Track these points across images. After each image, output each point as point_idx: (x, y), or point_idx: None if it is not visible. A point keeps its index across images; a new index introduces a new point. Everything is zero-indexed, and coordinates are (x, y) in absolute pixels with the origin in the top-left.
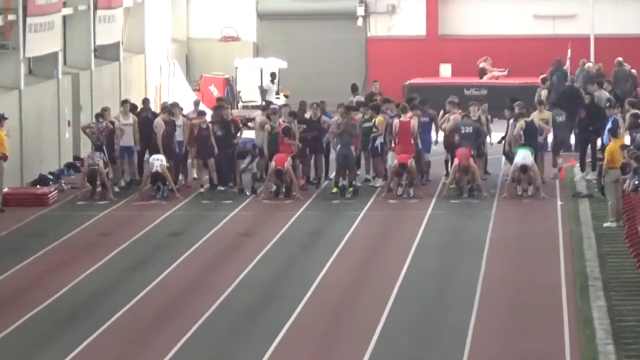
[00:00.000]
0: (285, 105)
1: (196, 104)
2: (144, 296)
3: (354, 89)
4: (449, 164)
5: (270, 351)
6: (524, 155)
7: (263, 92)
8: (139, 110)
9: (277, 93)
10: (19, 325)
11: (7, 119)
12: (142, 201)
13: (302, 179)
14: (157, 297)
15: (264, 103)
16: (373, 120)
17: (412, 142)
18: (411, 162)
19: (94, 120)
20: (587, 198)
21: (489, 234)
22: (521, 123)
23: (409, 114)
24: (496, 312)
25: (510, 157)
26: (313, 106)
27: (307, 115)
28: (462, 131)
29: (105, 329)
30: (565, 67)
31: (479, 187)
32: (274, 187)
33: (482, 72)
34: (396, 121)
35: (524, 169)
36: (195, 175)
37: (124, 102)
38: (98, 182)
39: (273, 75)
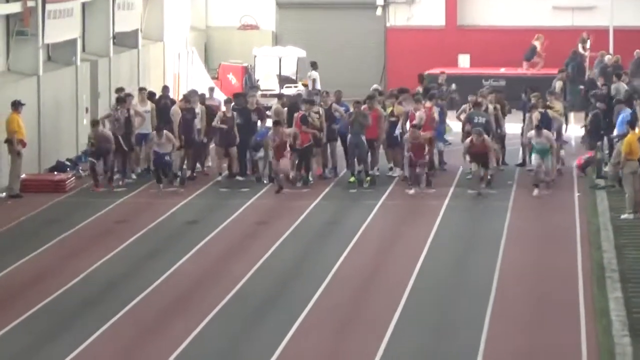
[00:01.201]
0: (326, 92)
1: (211, 90)
2: (160, 284)
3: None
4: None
5: (286, 340)
6: (535, 164)
7: (289, 80)
8: (158, 97)
9: (296, 82)
10: (35, 312)
11: (24, 104)
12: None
13: (319, 168)
14: (173, 285)
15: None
16: (389, 109)
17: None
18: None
19: (113, 106)
20: (604, 190)
21: (506, 225)
22: (536, 114)
23: (428, 103)
24: (513, 303)
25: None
26: (323, 94)
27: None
28: (475, 121)
29: (120, 316)
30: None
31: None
32: (292, 174)
33: (533, 51)
34: (419, 112)
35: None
36: (210, 163)
37: (141, 90)
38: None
39: (314, 64)
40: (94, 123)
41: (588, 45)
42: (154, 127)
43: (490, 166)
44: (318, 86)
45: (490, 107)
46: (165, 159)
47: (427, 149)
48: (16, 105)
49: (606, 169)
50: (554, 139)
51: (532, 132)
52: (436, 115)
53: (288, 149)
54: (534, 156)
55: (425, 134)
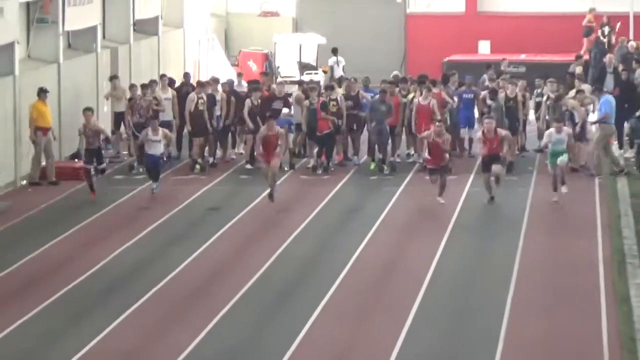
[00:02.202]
0: (354, 79)
1: (239, 76)
2: (182, 270)
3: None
4: None
5: (308, 325)
6: (553, 163)
7: (330, 68)
8: (179, 84)
9: (316, 68)
10: (57, 298)
11: (48, 92)
12: (181, 175)
13: (340, 155)
14: (195, 272)
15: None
16: (410, 96)
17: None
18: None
19: (139, 93)
20: (625, 176)
21: (527, 210)
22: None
23: (436, 89)
24: (533, 289)
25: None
26: (350, 81)
27: (342, 90)
28: (492, 107)
29: (141, 303)
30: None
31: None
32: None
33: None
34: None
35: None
36: (242, 150)
37: (162, 77)
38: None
39: (335, 50)
40: (88, 110)
41: (607, 31)
42: (175, 114)
43: (505, 156)
44: (340, 72)
45: (519, 94)
46: (158, 161)
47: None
48: (39, 93)
49: (626, 154)
50: (572, 136)
51: (552, 130)
52: (448, 98)
53: (278, 149)
54: (550, 165)
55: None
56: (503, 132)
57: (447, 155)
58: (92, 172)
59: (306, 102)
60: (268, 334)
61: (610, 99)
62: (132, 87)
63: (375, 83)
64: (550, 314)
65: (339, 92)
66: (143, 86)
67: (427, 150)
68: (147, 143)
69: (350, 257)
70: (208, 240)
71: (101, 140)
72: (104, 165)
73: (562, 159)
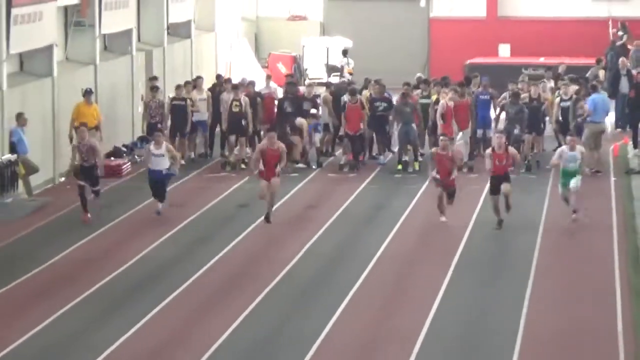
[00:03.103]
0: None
1: (268, 78)
2: (213, 264)
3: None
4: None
5: (336, 316)
6: (562, 192)
7: (335, 69)
8: (212, 85)
9: (341, 71)
10: (91, 293)
11: (92, 93)
12: (212, 173)
13: (362, 155)
14: (226, 266)
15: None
16: (434, 97)
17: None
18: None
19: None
20: (639, 175)
21: (545, 208)
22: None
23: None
24: (551, 284)
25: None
26: (370, 83)
27: (368, 92)
28: (511, 111)
29: (175, 296)
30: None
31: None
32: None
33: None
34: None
35: (565, 200)
36: None
37: (198, 78)
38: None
39: (345, 52)
40: (82, 126)
41: (620, 33)
42: (209, 114)
43: (520, 157)
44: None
45: (544, 95)
46: (164, 178)
47: (454, 167)
48: (83, 94)
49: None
50: (585, 155)
51: (564, 147)
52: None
53: (279, 168)
54: (560, 186)
55: (456, 150)
56: (513, 150)
57: (454, 172)
58: (85, 192)
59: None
60: (298, 324)
61: (598, 98)
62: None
63: (399, 84)
64: (567, 306)
65: (365, 93)
66: (177, 87)
67: (435, 169)
68: (150, 158)
69: (376, 251)
70: (238, 235)
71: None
72: (98, 188)
73: (575, 185)
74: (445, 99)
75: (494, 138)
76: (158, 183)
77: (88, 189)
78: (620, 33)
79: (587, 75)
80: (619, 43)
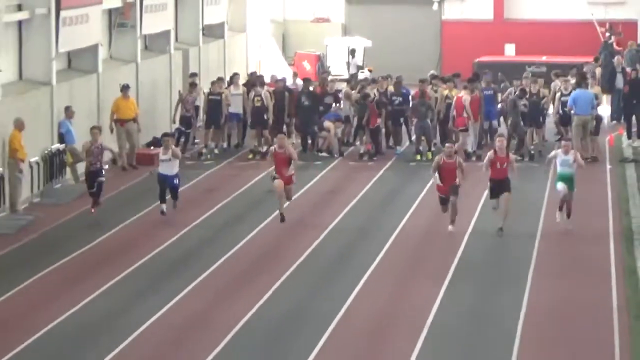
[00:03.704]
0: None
1: (294, 75)
2: (245, 243)
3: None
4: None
5: (356, 291)
6: (561, 189)
7: (347, 65)
8: (246, 81)
9: (362, 68)
10: (127, 274)
11: (129, 88)
12: (242, 162)
13: (369, 144)
14: (255, 245)
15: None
16: (445, 92)
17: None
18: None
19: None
20: (633, 163)
21: (547, 194)
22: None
23: (461, 92)
24: (552, 261)
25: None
26: (379, 79)
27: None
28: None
29: (209, 273)
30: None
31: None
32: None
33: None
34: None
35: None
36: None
37: (234, 75)
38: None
39: (352, 51)
40: (95, 129)
41: (607, 34)
42: (244, 109)
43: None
44: (353, 70)
45: (544, 91)
46: (174, 182)
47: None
48: (121, 89)
49: (635, 143)
50: (581, 160)
51: (559, 150)
52: (467, 104)
53: (292, 170)
54: (559, 185)
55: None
56: (512, 155)
57: (457, 180)
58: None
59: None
60: (322, 297)
61: (580, 93)
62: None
63: (414, 80)
64: (567, 283)
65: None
66: (213, 83)
67: (438, 176)
68: (160, 165)
69: (392, 233)
70: (267, 218)
71: (108, 158)
72: (100, 199)
73: (570, 192)
74: (458, 94)
75: (496, 141)
76: (169, 187)
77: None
78: (608, 34)
79: (584, 70)
80: (610, 42)
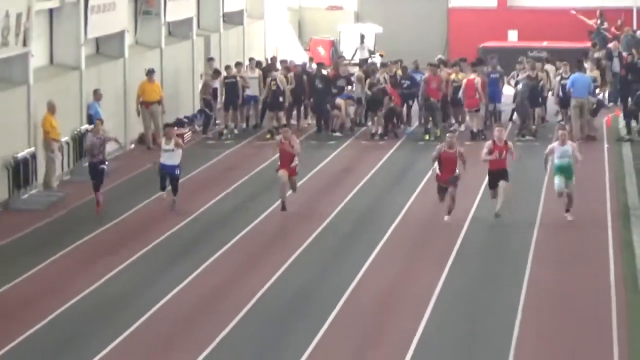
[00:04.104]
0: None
1: (310, 60)
2: (262, 219)
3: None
4: (513, 113)
5: (368, 263)
6: (558, 183)
7: (355, 50)
8: (265, 65)
9: (373, 53)
10: (147, 251)
11: (154, 72)
12: (261, 141)
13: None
14: (272, 221)
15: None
16: (453, 76)
17: (477, 97)
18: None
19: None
20: (629, 142)
21: (547, 172)
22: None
23: (472, 75)
24: (553, 235)
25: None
26: (388, 63)
27: (387, 72)
28: (519, 87)
29: (223, 251)
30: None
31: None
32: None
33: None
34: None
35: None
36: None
37: (250, 60)
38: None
39: (362, 37)
40: (97, 121)
41: (599, 21)
42: (260, 91)
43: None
44: (365, 54)
45: (541, 74)
46: (174, 172)
47: (457, 163)
48: (146, 73)
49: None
50: (578, 151)
51: (555, 143)
52: (479, 87)
53: (296, 162)
54: (556, 179)
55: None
56: (510, 143)
57: (457, 170)
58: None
59: (369, 81)
60: (333, 272)
61: (578, 77)
62: (216, 71)
63: (422, 64)
64: (567, 256)
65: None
66: (227, 67)
67: (437, 165)
68: (161, 152)
69: (402, 208)
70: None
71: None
72: (101, 191)
73: (568, 183)
74: (469, 77)
75: (495, 131)
76: (170, 178)
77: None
78: (599, 21)
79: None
80: (602, 28)
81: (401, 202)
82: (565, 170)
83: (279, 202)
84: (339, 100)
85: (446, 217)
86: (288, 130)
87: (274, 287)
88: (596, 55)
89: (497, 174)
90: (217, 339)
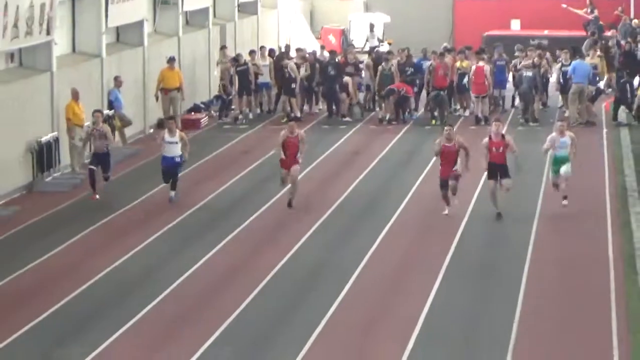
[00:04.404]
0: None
1: (322, 48)
2: (275, 201)
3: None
4: (515, 98)
5: (378, 240)
6: (553, 175)
7: (366, 39)
8: (279, 54)
9: (382, 41)
10: (170, 228)
11: (174, 60)
12: (275, 125)
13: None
14: (285, 203)
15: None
16: (458, 63)
17: (486, 83)
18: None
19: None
20: (627, 126)
21: (548, 155)
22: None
23: (481, 63)
24: (554, 216)
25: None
26: (399, 51)
27: (398, 59)
28: (524, 74)
29: (242, 228)
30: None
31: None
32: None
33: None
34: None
35: (555, 185)
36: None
37: (262, 48)
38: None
39: (372, 26)
40: (97, 112)
41: (588, 10)
42: (272, 78)
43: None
44: (375, 43)
45: (543, 61)
46: (176, 162)
47: (458, 157)
48: (168, 61)
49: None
50: (576, 141)
51: (554, 134)
52: (488, 74)
53: (299, 157)
54: (552, 173)
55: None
56: (509, 137)
57: (458, 166)
58: (95, 175)
59: (380, 68)
60: (347, 247)
61: (578, 63)
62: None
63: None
64: (567, 236)
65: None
66: (237, 55)
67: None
68: (163, 145)
69: (410, 189)
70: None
71: (107, 146)
72: (109, 174)
73: (566, 170)
74: (477, 64)
75: (492, 125)
76: (170, 170)
77: (99, 174)
78: (588, 10)
79: (583, 46)
80: (592, 17)
81: (409, 184)
82: (563, 162)
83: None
84: (346, 79)
85: (446, 210)
86: (294, 125)
87: (292, 259)
88: (610, 43)
89: (497, 168)
90: (235, 313)
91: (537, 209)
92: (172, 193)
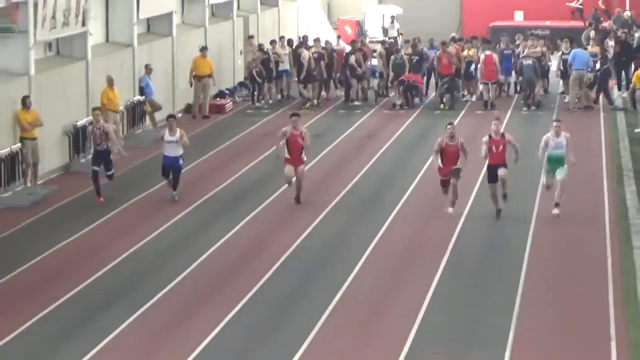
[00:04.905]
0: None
1: (338, 38)
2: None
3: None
4: (517, 86)
5: (386, 224)
6: (546, 177)
7: (385, 30)
8: (298, 43)
9: (397, 32)
10: (195, 207)
11: (207, 49)
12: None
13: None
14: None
15: (385, 40)
16: (465, 52)
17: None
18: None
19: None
20: (622, 111)
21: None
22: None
23: (488, 52)
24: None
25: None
26: (414, 41)
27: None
28: (524, 63)
29: (263, 207)
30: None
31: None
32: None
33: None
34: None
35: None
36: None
37: (281, 38)
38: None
39: (392, 18)
40: (96, 109)
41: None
42: (291, 66)
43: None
44: (394, 33)
45: (543, 49)
46: (178, 162)
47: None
48: (200, 50)
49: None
50: (572, 142)
51: (549, 134)
52: (496, 62)
53: (304, 156)
54: (544, 175)
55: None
56: (509, 136)
57: (459, 163)
58: (98, 176)
59: (392, 57)
60: (361, 225)
61: (578, 51)
62: (260, 45)
63: (437, 42)
64: (566, 216)
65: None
66: (259, 45)
67: (439, 158)
68: (163, 144)
69: (419, 172)
70: (314, 158)
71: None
72: (111, 172)
73: (562, 174)
74: (486, 53)
75: (491, 124)
76: (172, 170)
77: (102, 173)
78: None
79: (583, 36)
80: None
81: (418, 167)
82: (557, 161)
83: (310, 165)
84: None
85: (450, 210)
86: (298, 120)
87: (309, 237)
88: (592, 33)
89: (497, 168)
90: (254, 290)
91: (535, 202)
92: (174, 193)
